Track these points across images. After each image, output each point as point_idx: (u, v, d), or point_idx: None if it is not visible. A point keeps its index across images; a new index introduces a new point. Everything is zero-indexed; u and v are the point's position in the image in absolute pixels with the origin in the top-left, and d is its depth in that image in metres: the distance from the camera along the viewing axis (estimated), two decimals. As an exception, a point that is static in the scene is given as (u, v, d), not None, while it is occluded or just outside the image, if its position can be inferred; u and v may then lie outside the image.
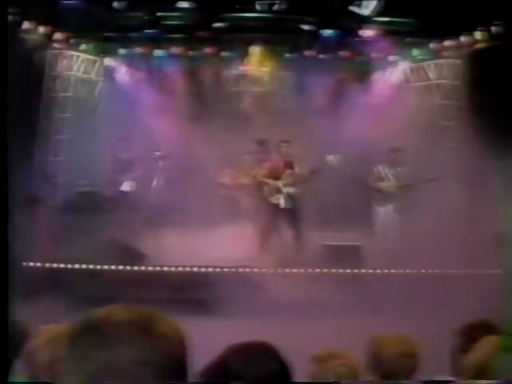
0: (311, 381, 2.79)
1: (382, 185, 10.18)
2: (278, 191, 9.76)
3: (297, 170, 9.82)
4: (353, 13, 10.71)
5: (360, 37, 11.52)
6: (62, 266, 8.82)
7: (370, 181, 10.24)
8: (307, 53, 12.07)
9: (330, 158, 9.65)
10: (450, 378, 2.67)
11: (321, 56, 12.12)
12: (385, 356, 3.08)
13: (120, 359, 1.27)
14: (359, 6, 10.59)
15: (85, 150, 10.99)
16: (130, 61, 12.42)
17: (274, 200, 9.77)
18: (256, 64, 12.38)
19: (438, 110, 12.03)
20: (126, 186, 10.78)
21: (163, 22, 11.43)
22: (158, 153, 10.93)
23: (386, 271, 8.77)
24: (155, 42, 11.90)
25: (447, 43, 11.60)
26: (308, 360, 2.93)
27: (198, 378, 1.84)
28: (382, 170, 10.25)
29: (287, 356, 1.94)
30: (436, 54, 12.09)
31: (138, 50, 12.06)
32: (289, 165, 9.86)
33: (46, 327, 3.00)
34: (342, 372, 2.77)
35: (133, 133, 11.00)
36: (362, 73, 12.47)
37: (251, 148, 11.08)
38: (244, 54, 12.27)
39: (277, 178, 9.82)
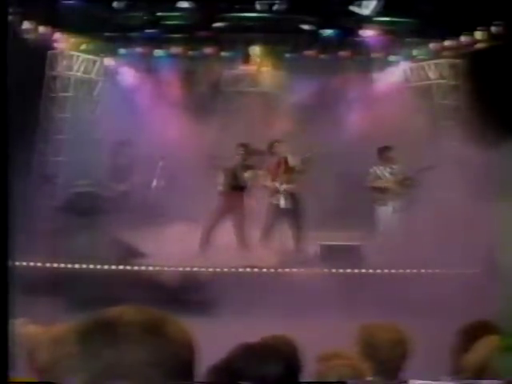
0: (314, 380, 2.79)
1: (380, 182, 10.20)
2: (277, 191, 9.75)
3: (290, 162, 9.76)
4: (353, 13, 10.71)
5: (360, 37, 11.52)
6: (62, 265, 8.81)
7: (368, 181, 10.25)
8: (307, 53, 12.06)
9: (319, 147, 9.67)
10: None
11: (321, 56, 12.11)
12: (379, 343, 3.11)
13: (129, 359, 1.27)
14: (359, 5, 10.59)
15: (85, 150, 10.99)
16: (130, 61, 12.42)
17: (274, 200, 9.76)
18: (256, 64, 12.38)
19: (437, 109, 12.04)
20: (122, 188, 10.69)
21: (163, 22, 11.43)
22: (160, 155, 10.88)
23: (386, 271, 8.76)
24: (155, 41, 11.90)
25: (447, 43, 11.59)
26: (310, 359, 2.93)
27: (205, 377, 1.85)
28: (378, 169, 10.27)
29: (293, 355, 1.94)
30: (436, 54, 12.09)
31: (138, 49, 12.05)
32: (283, 162, 9.83)
33: (45, 327, 3.00)
34: (345, 372, 2.77)
35: (131, 136, 10.89)
36: (362, 73, 12.47)
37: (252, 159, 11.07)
38: (244, 54, 12.26)
39: (274, 179, 9.81)
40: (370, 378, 2.85)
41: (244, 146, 10.18)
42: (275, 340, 2.81)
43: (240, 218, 9.89)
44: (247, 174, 9.99)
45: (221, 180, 10.08)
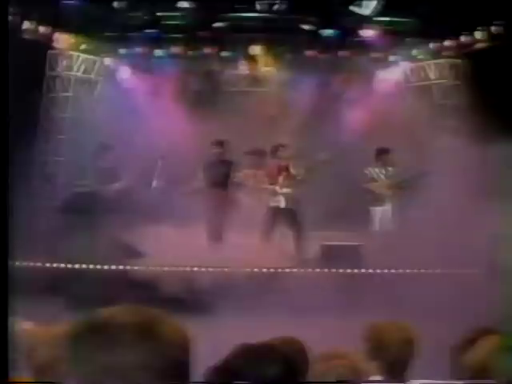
0: (313, 380, 2.79)
1: (374, 185, 10.23)
2: (276, 194, 9.74)
3: (292, 171, 9.75)
4: (353, 13, 10.72)
5: (360, 36, 11.52)
6: (61, 265, 8.81)
7: (364, 182, 10.28)
8: (307, 53, 12.06)
9: (321, 154, 9.65)
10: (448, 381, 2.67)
11: (321, 56, 12.11)
12: (388, 343, 3.11)
13: (122, 361, 1.27)
14: (359, 5, 10.60)
15: (85, 151, 10.99)
16: (129, 61, 12.42)
17: (273, 203, 9.75)
18: (256, 64, 12.38)
19: (437, 109, 12.04)
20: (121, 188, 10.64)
21: (163, 22, 11.44)
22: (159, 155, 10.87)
23: (386, 271, 8.76)
24: (155, 41, 11.90)
25: (447, 43, 11.59)
26: (310, 359, 2.93)
27: (203, 377, 1.85)
28: (374, 170, 10.30)
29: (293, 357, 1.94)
30: (436, 54, 12.09)
31: (138, 49, 12.05)
32: (284, 168, 9.81)
33: (45, 327, 3.00)
34: (344, 372, 2.77)
35: (130, 136, 10.83)
36: (362, 73, 12.47)
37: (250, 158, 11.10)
38: (244, 54, 12.26)
39: (273, 183, 9.79)
40: (371, 378, 2.85)
41: (219, 142, 10.25)
42: (282, 342, 2.82)
43: (219, 215, 9.91)
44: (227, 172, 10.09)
45: (200, 176, 10.16)
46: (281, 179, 9.72)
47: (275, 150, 9.97)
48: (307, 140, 10.54)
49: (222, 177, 10.11)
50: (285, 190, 9.70)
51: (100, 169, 10.54)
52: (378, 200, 10.19)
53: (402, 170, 10.21)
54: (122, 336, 1.28)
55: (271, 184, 9.78)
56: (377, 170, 10.31)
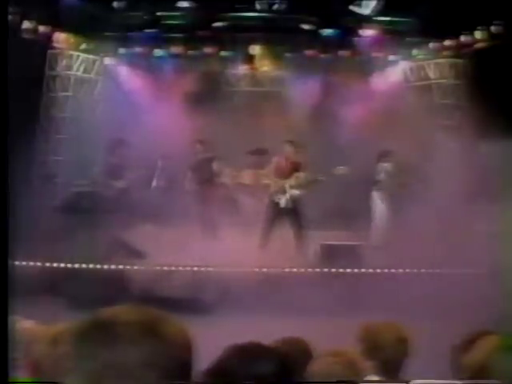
0: (311, 380, 2.79)
1: (379, 177, 10.34)
2: (283, 191, 9.69)
3: (303, 173, 9.69)
4: (353, 12, 10.72)
5: (360, 36, 11.52)
6: (61, 265, 8.81)
7: (369, 175, 10.37)
8: (307, 52, 12.07)
9: (339, 168, 9.77)
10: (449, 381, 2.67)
11: (321, 56, 12.12)
12: (382, 343, 3.12)
13: (125, 359, 1.27)
14: (359, 5, 10.61)
15: (85, 150, 10.98)
16: (129, 60, 12.42)
17: (276, 199, 9.72)
18: (256, 64, 12.38)
19: (438, 109, 12.05)
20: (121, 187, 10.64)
21: (163, 22, 11.45)
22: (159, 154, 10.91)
23: (386, 271, 8.77)
24: (155, 41, 11.90)
25: (447, 43, 11.60)
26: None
27: (199, 378, 1.84)
28: (380, 166, 10.40)
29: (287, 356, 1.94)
30: (436, 54, 12.10)
31: (138, 49, 12.05)
32: (296, 166, 9.73)
33: (45, 327, 3.00)
34: (341, 370, 2.76)
35: (130, 135, 10.84)
36: (362, 73, 12.46)
37: (251, 158, 11.15)
38: (244, 54, 12.26)
39: (281, 178, 9.72)
40: (371, 378, 2.85)
41: (200, 142, 10.46)
42: (286, 342, 2.83)
43: (210, 212, 9.95)
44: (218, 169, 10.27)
45: (189, 176, 10.33)
46: (291, 178, 9.66)
47: (282, 145, 9.92)
48: (307, 139, 10.52)
49: (207, 175, 10.23)
50: (292, 191, 9.67)
51: (116, 164, 10.55)
52: (381, 191, 10.29)
53: (402, 170, 10.24)
54: (125, 334, 1.29)
55: (279, 178, 9.72)
56: (379, 168, 10.40)
